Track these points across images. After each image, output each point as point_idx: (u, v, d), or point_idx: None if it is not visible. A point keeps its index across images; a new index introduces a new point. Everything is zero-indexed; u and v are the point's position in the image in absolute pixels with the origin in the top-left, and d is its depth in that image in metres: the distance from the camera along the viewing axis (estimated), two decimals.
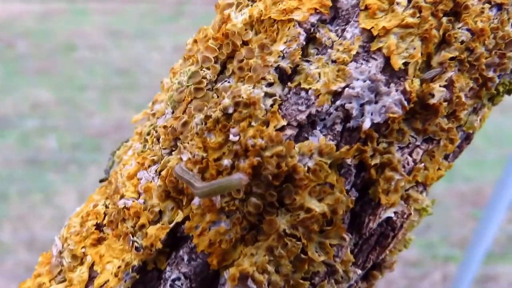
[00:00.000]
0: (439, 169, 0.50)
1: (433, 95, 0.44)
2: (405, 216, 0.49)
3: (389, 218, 0.48)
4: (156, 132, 0.51)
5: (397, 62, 0.43)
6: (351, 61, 0.44)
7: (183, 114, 0.48)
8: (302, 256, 0.44)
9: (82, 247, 0.51)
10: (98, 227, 0.51)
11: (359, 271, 0.49)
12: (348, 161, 0.44)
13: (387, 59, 0.44)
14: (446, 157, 0.51)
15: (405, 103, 0.43)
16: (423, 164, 0.46)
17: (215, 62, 0.49)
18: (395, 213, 0.48)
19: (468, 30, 0.44)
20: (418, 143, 0.46)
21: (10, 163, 2.47)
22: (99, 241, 0.51)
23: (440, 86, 0.43)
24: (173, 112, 0.51)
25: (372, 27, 0.44)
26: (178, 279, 0.45)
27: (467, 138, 0.53)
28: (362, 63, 0.44)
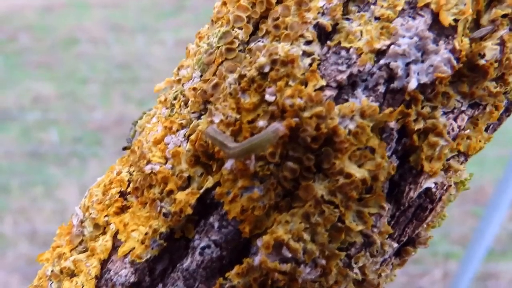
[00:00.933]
0: (480, 140, 0.47)
1: (483, 55, 0.41)
2: (445, 187, 0.47)
3: (428, 189, 0.46)
4: (184, 96, 0.49)
5: (447, 18, 0.40)
6: (396, 18, 0.41)
7: (213, 76, 0.46)
8: (339, 224, 0.42)
9: (105, 216, 0.49)
10: (122, 195, 0.49)
11: (395, 245, 0.47)
12: (391, 124, 0.41)
13: (435, 16, 0.41)
14: (486, 128, 0.48)
15: (455, 62, 0.40)
16: (468, 131, 0.44)
17: (248, 22, 0.46)
18: (435, 184, 0.46)
19: None
20: (463, 108, 0.43)
21: (12, 156, 2.47)
22: (123, 209, 0.49)
23: (492, 44, 0.40)
24: (201, 76, 0.48)
25: None
26: (208, 246, 0.43)
27: (508, 109, 0.50)
28: (408, 20, 0.41)
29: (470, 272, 1.61)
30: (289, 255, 0.41)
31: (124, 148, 0.55)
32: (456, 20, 0.41)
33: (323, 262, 0.42)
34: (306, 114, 0.40)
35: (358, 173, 0.41)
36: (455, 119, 0.43)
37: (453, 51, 0.40)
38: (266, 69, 0.42)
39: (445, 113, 0.43)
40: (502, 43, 0.41)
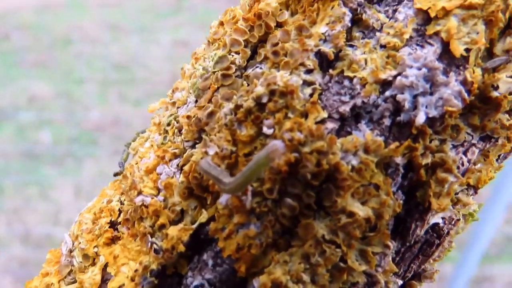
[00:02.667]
0: (490, 171, 0.44)
1: (496, 87, 0.38)
2: (453, 222, 0.44)
3: (435, 224, 0.43)
4: (178, 122, 0.46)
5: (458, 48, 0.37)
6: (403, 46, 0.39)
7: (208, 103, 0.44)
8: (341, 264, 0.39)
9: (95, 246, 0.47)
10: (112, 225, 0.47)
11: (400, 282, 0.44)
12: (397, 159, 0.38)
13: (445, 45, 0.38)
14: (497, 158, 0.46)
15: (466, 95, 0.38)
16: (479, 165, 0.41)
17: (245, 46, 0.44)
18: (442, 218, 0.43)
19: None
20: (474, 141, 0.41)
21: (6, 155, 2.45)
22: (113, 240, 0.46)
23: (507, 76, 0.38)
24: (196, 101, 0.46)
25: (429, 8, 0.38)
26: (202, 285, 0.40)
27: None
28: (416, 49, 0.38)
29: (466, 275, 1.59)
30: None
31: (116, 174, 0.52)
32: (467, 50, 0.38)
33: None
34: (306, 149, 0.37)
35: (362, 211, 0.38)
36: (465, 153, 0.41)
37: (464, 83, 0.38)
38: (264, 100, 0.39)
39: (454, 147, 0.40)
40: None
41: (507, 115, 0.40)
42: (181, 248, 0.40)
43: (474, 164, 0.42)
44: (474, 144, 0.41)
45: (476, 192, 0.45)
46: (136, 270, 0.42)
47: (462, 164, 0.41)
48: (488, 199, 1.53)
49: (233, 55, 0.44)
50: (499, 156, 0.46)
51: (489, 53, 0.40)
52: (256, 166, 0.36)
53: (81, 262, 0.47)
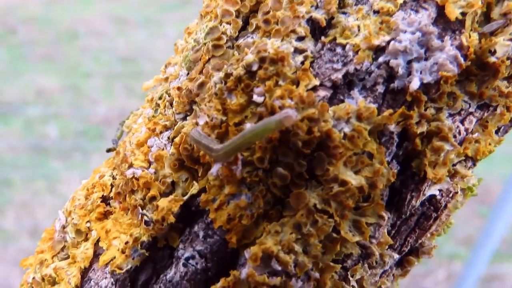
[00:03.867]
0: (489, 143, 0.43)
1: (494, 52, 0.37)
2: (451, 194, 0.43)
3: (432, 197, 0.42)
4: (169, 96, 0.46)
5: (453, 12, 0.36)
6: (397, 11, 0.37)
7: (199, 74, 0.43)
8: (334, 235, 0.38)
9: (87, 222, 0.46)
10: (104, 200, 0.47)
11: (396, 255, 0.43)
12: (391, 127, 0.38)
13: (440, 8, 0.37)
14: (497, 131, 0.44)
15: (462, 60, 0.36)
16: (476, 134, 0.40)
17: (237, 16, 0.43)
18: (439, 190, 0.42)
19: None
20: (471, 109, 0.40)
21: (14, 149, 2.46)
22: (105, 215, 0.46)
23: (504, 40, 0.37)
24: (188, 74, 0.45)
25: None
26: (193, 257, 0.40)
27: None
28: (410, 13, 0.37)
29: (475, 273, 1.57)
30: (279, 268, 0.38)
31: (108, 150, 0.52)
32: (463, 14, 0.37)
33: (317, 275, 0.39)
34: (297, 116, 0.37)
35: (355, 180, 0.37)
36: (462, 122, 0.40)
37: (460, 47, 0.37)
38: (254, 68, 0.38)
39: (451, 115, 0.39)
40: None
41: (505, 82, 0.39)
42: (171, 219, 0.40)
43: (472, 133, 0.41)
44: (471, 113, 0.40)
45: (474, 164, 0.44)
46: (126, 242, 0.41)
47: (459, 133, 0.40)
48: (499, 196, 1.50)
49: (224, 26, 0.43)
50: (499, 128, 0.44)
51: (486, 17, 0.38)
52: (263, 130, 0.35)
53: (74, 237, 0.47)
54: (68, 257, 0.47)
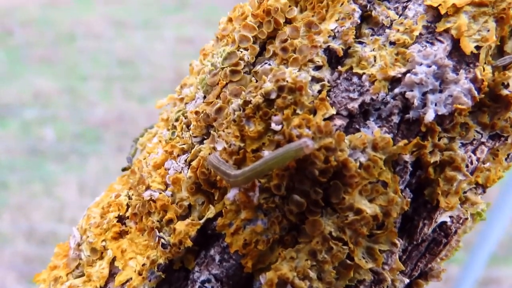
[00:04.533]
0: (499, 170, 0.44)
1: (507, 85, 0.38)
2: (461, 221, 0.44)
3: (443, 223, 0.43)
4: (186, 118, 0.47)
5: (469, 45, 0.37)
6: (413, 43, 0.38)
7: (217, 99, 0.44)
8: (348, 262, 0.39)
9: (103, 240, 0.47)
10: (120, 219, 0.47)
11: (407, 280, 0.44)
12: (405, 157, 0.38)
13: (455, 42, 0.38)
14: (506, 157, 0.45)
15: (475, 93, 0.37)
16: (488, 164, 0.41)
17: (254, 42, 0.44)
18: (450, 217, 0.43)
19: None
20: (483, 139, 0.40)
21: (11, 152, 2.46)
22: (121, 234, 0.47)
23: None
24: (205, 97, 0.46)
25: (440, 5, 0.38)
26: (208, 281, 0.41)
27: None
28: (426, 46, 0.38)
29: (472, 276, 1.57)
30: None
31: (124, 169, 0.53)
32: (478, 47, 0.38)
33: None
34: (315, 145, 0.37)
35: (369, 208, 0.38)
36: (474, 151, 0.41)
37: (474, 80, 0.38)
38: (273, 96, 0.39)
39: (463, 145, 0.40)
40: None
41: None
42: (189, 243, 0.41)
43: (483, 162, 0.41)
44: (483, 143, 0.41)
45: (484, 191, 0.45)
46: (143, 265, 0.42)
47: (471, 163, 0.40)
48: (496, 199, 1.51)
49: (241, 51, 0.44)
50: (508, 155, 0.45)
51: (500, 51, 0.39)
52: (283, 158, 0.36)
53: (89, 255, 0.48)
54: (83, 275, 0.48)
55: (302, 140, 0.36)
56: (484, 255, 1.57)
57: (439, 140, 0.39)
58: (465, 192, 0.43)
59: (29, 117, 2.70)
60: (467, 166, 0.40)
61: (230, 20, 0.48)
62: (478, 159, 0.41)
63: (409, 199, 0.39)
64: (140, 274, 0.42)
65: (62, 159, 2.47)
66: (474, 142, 0.40)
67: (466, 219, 0.44)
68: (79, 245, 0.49)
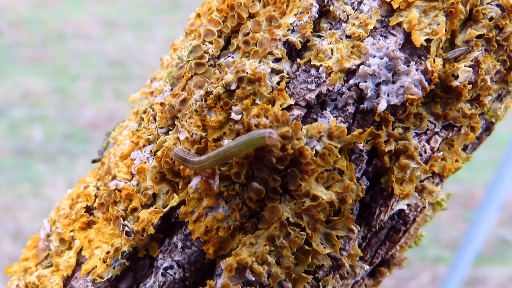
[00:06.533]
0: (456, 160, 0.46)
1: (457, 76, 0.40)
2: (419, 209, 0.45)
3: (401, 211, 0.45)
4: (153, 110, 0.48)
5: (419, 39, 0.39)
6: (367, 37, 0.40)
7: (182, 90, 0.45)
8: (306, 247, 0.40)
9: (71, 231, 0.48)
10: (88, 210, 0.48)
11: (367, 267, 0.45)
12: (360, 146, 0.40)
13: (407, 35, 0.40)
14: (464, 148, 0.47)
15: (426, 84, 0.39)
16: (441, 153, 0.43)
17: (219, 36, 0.45)
18: (408, 205, 0.44)
19: (498, 6, 0.40)
20: (437, 129, 0.42)
21: None
22: (89, 224, 0.48)
23: (465, 66, 0.39)
24: (171, 89, 0.47)
25: (392, 0, 0.40)
26: (171, 267, 0.42)
27: (488, 129, 0.49)
28: (379, 39, 0.40)
29: (459, 276, 1.60)
30: (253, 278, 0.40)
31: (94, 161, 0.53)
32: (429, 40, 0.40)
33: (290, 285, 0.41)
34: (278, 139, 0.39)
35: (325, 195, 0.40)
36: (428, 141, 0.42)
37: (425, 72, 0.39)
38: (233, 87, 0.40)
39: (417, 135, 0.42)
40: (476, 64, 0.40)
41: (468, 105, 0.42)
42: (151, 230, 0.42)
43: (438, 152, 0.43)
44: (437, 133, 0.42)
45: (442, 181, 0.46)
46: (108, 252, 0.43)
47: (425, 152, 0.42)
48: (481, 200, 1.54)
49: (206, 45, 0.45)
50: (466, 146, 0.47)
51: (451, 44, 0.41)
52: (245, 145, 0.37)
53: (57, 246, 0.48)
54: (51, 265, 0.49)
55: (267, 130, 0.37)
56: (470, 255, 1.59)
57: (393, 129, 0.41)
58: (422, 181, 0.45)
59: (17, 117, 2.68)
60: (421, 155, 0.42)
61: (198, 15, 0.49)
62: (432, 149, 0.42)
63: (364, 186, 0.41)
64: (104, 261, 0.43)
65: (50, 160, 2.45)
66: (428, 132, 0.42)
67: (424, 207, 0.46)
68: (48, 236, 0.50)
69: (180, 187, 0.43)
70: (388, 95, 0.39)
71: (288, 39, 0.41)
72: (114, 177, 0.45)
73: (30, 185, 2.32)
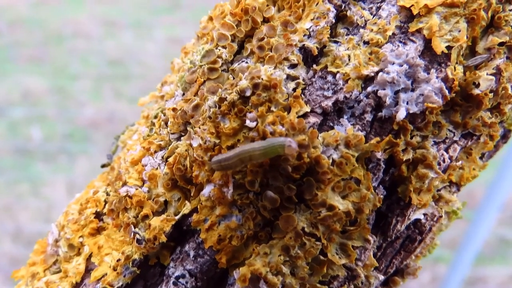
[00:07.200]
0: (474, 169, 0.45)
1: (478, 85, 0.39)
2: (435, 218, 0.44)
3: (417, 220, 0.44)
4: (164, 115, 0.47)
5: (440, 45, 0.38)
6: (386, 43, 0.39)
7: (194, 96, 0.44)
8: (321, 258, 0.39)
9: (80, 237, 0.47)
10: (98, 215, 0.47)
11: (381, 277, 0.44)
12: (378, 154, 0.39)
13: (427, 42, 0.39)
14: (481, 156, 0.46)
15: (446, 92, 0.38)
16: (460, 162, 0.42)
17: (232, 41, 0.44)
18: (424, 215, 0.43)
19: None
20: (456, 138, 0.41)
21: None
22: (98, 230, 0.47)
23: (487, 74, 0.38)
24: (183, 94, 0.46)
25: (412, 5, 0.39)
26: (183, 276, 0.41)
27: (505, 136, 0.48)
28: (398, 45, 0.39)
29: (459, 276, 1.59)
30: None
31: (103, 166, 0.53)
32: (449, 47, 0.39)
33: None
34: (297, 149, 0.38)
35: (342, 205, 0.39)
36: (446, 150, 0.41)
37: (445, 80, 0.38)
38: (248, 93, 0.40)
39: (436, 143, 0.41)
40: (498, 72, 0.39)
41: (488, 113, 0.41)
42: (163, 238, 0.41)
43: (456, 161, 0.42)
44: (456, 141, 0.41)
45: (459, 190, 0.45)
46: (118, 260, 0.42)
47: (444, 161, 0.41)
48: (481, 200, 1.53)
49: (220, 49, 0.44)
50: (483, 154, 0.46)
51: (472, 51, 0.40)
52: (265, 152, 0.36)
53: (66, 251, 0.48)
54: (60, 271, 0.48)
55: (287, 139, 0.36)
56: (471, 254, 1.58)
57: (411, 138, 0.40)
58: (439, 190, 0.44)
59: (16, 116, 2.67)
60: (439, 164, 0.41)
61: (210, 18, 0.48)
62: (450, 158, 0.41)
63: (381, 196, 0.40)
64: (115, 269, 0.42)
65: (50, 159, 2.45)
66: (447, 140, 0.41)
67: (441, 217, 0.45)
68: (56, 241, 0.49)
69: (192, 195, 0.42)
70: (407, 103, 0.38)
71: (304, 44, 0.40)
72: (124, 183, 0.44)
73: (29, 185, 2.32)
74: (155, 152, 0.44)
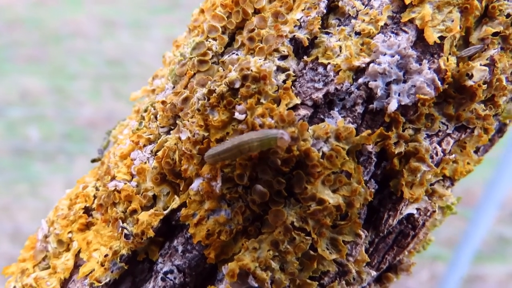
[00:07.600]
0: (468, 163, 0.44)
1: (471, 76, 0.38)
2: (429, 213, 0.44)
3: (410, 215, 0.43)
4: (154, 109, 0.46)
5: (432, 36, 0.37)
6: (378, 33, 0.38)
7: (184, 89, 0.43)
8: (311, 253, 0.39)
9: (69, 232, 0.46)
10: (87, 210, 0.47)
11: (373, 273, 0.44)
12: (369, 147, 0.38)
13: (419, 32, 0.38)
14: (476, 150, 0.45)
15: (439, 83, 0.37)
16: (453, 155, 0.41)
17: (223, 33, 0.44)
18: (417, 209, 0.43)
19: None
20: (449, 131, 0.40)
21: None
22: (87, 226, 0.46)
23: (481, 65, 0.37)
24: (174, 87, 0.45)
25: None
26: (171, 272, 0.40)
27: (500, 130, 0.47)
28: (390, 36, 0.38)
29: (458, 274, 1.59)
30: (256, 285, 0.38)
31: (93, 160, 0.52)
32: (442, 38, 0.38)
33: None
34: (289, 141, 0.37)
35: (332, 199, 0.38)
36: (439, 143, 0.40)
37: (438, 71, 0.37)
38: (237, 85, 0.39)
39: (428, 136, 0.40)
40: (492, 63, 0.38)
41: (482, 105, 0.40)
42: (151, 233, 0.40)
43: (450, 154, 0.41)
44: (449, 134, 0.41)
45: (452, 184, 0.45)
46: (106, 255, 0.41)
47: (436, 154, 0.40)
48: (480, 198, 1.52)
49: (210, 41, 0.43)
50: (478, 148, 0.45)
51: (465, 42, 0.39)
52: (264, 142, 0.35)
53: (55, 247, 0.47)
54: (49, 267, 0.47)
55: (279, 131, 0.35)
56: (469, 253, 1.58)
57: (403, 131, 0.39)
58: (432, 185, 0.43)
59: (15, 116, 2.67)
60: (432, 157, 0.40)
61: (202, 11, 0.48)
62: (443, 151, 0.41)
63: (373, 190, 0.39)
64: (102, 265, 0.41)
65: (48, 159, 2.44)
66: (440, 133, 0.40)
67: (434, 211, 0.44)
68: (46, 237, 0.49)
69: (181, 189, 0.42)
70: (399, 95, 0.37)
71: (295, 35, 0.40)
72: (113, 178, 0.44)
73: (28, 184, 2.32)
74: (144, 146, 0.44)
